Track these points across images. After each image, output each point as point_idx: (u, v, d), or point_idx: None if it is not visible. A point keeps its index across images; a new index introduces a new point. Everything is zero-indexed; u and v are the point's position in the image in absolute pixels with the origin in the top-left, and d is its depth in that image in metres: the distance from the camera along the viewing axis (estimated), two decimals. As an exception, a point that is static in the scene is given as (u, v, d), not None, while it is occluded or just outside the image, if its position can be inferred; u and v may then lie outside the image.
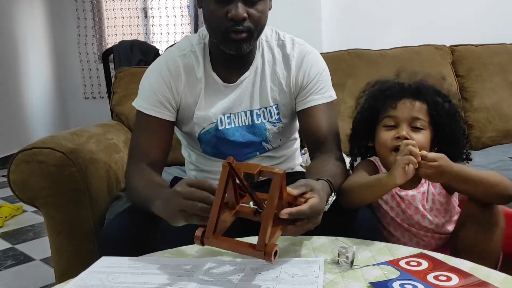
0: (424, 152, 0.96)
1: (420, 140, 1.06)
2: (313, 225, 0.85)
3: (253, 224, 0.85)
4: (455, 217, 1.15)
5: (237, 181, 0.82)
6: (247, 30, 1.09)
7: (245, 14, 1.07)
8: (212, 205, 0.78)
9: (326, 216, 0.88)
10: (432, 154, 0.96)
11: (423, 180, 1.13)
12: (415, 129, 1.08)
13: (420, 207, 1.12)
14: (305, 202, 0.83)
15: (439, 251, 0.94)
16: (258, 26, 1.11)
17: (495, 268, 0.90)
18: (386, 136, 1.09)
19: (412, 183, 1.12)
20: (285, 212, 0.79)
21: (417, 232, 1.13)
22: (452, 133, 1.10)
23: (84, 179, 1.34)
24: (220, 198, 0.78)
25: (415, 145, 0.95)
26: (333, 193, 0.98)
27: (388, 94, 1.12)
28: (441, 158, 0.96)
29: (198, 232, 0.79)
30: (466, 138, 1.14)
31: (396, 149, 1.04)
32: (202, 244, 0.79)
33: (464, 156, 1.14)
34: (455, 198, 1.16)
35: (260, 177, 0.80)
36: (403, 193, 1.12)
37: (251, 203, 0.85)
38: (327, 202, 0.93)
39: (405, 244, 1.10)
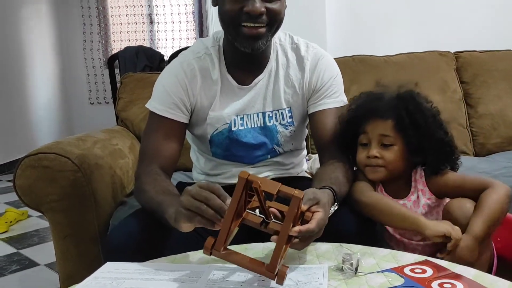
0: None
1: (389, 157, 1.11)
2: (315, 238, 0.86)
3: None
4: None
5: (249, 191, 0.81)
6: (264, 25, 1.09)
7: (262, 9, 1.07)
8: (225, 216, 0.78)
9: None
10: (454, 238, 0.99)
11: (412, 189, 1.15)
12: (385, 146, 1.12)
13: (417, 210, 1.13)
14: (311, 215, 0.85)
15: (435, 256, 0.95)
16: (275, 22, 1.11)
17: (489, 272, 0.91)
18: (360, 155, 1.15)
19: (403, 192, 1.15)
20: (296, 230, 0.80)
21: (409, 242, 1.13)
22: (426, 143, 1.11)
23: (89, 184, 1.35)
24: (234, 210, 0.77)
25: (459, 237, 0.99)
26: (335, 203, 0.98)
27: (361, 114, 1.15)
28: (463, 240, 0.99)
29: (208, 243, 0.78)
30: (451, 146, 1.14)
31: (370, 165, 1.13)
32: (211, 254, 0.79)
33: (450, 164, 1.15)
34: (447, 202, 1.17)
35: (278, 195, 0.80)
36: None
37: (257, 210, 0.85)
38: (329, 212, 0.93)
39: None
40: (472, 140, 2.00)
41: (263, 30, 1.09)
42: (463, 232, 1.00)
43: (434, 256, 1.11)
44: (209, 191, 0.82)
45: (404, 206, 1.12)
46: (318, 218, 0.85)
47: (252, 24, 1.08)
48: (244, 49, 1.12)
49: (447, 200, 1.16)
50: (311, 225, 0.83)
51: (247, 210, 0.85)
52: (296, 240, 0.82)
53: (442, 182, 1.13)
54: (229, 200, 0.80)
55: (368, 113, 1.13)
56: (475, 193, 1.07)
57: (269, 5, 1.08)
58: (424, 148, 1.11)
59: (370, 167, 1.13)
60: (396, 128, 1.11)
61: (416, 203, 1.14)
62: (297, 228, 0.81)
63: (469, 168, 1.69)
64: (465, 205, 1.05)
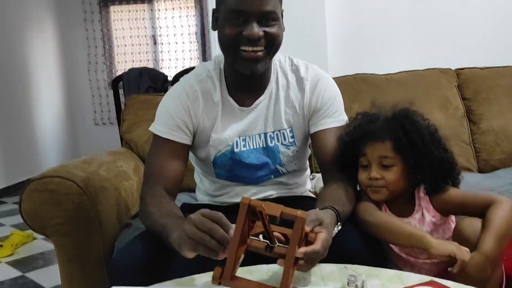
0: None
1: (390, 177, 1.12)
2: (321, 258, 0.86)
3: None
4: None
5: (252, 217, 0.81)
6: (262, 49, 1.11)
7: (261, 33, 1.09)
8: (230, 245, 0.78)
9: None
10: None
11: (416, 207, 1.15)
12: (385, 167, 1.12)
13: (422, 227, 1.12)
14: (315, 236, 0.85)
15: (443, 276, 0.94)
16: (274, 44, 1.13)
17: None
18: (362, 176, 1.16)
19: (407, 210, 1.15)
20: (301, 252, 0.80)
21: (416, 261, 1.13)
22: (425, 161, 1.11)
23: (94, 207, 1.36)
24: (238, 239, 0.77)
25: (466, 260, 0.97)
26: (338, 223, 0.99)
27: (359, 136, 1.15)
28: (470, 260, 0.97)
29: (216, 273, 0.78)
30: (451, 163, 1.14)
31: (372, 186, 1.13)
32: (220, 284, 0.78)
33: (451, 180, 1.15)
34: (452, 219, 1.17)
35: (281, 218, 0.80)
36: None
37: (260, 236, 0.85)
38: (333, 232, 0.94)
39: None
40: (476, 156, 2.00)
41: (261, 53, 1.11)
42: (473, 250, 0.99)
43: (441, 274, 1.11)
44: (212, 220, 0.82)
45: (409, 224, 1.12)
46: (322, 238, 0.85)
47: (250, 48, 1.10)
48: (244, 72, 1.14)
49: (453, 217, 1.16)
50: (316, 246, 0.83)
51: (250, 236, 0.85)
52: (302, 261, 0.82)
53: (445, 200, 1.13)
54: (232, 229, 0.80)
55: (366, 136, 1.14)
56: (480, 209, 1.07)
57: (267, 29, 1.10)
58: (423, 167, 1.11)
59: (371, 188, 1.13)
60: (395, 149, 1.11)
61: (421, 221, 1.13)
62: (302, 249, 0.81)
63: (473, 185, 1.68)
64: (475, 224, 1.05)
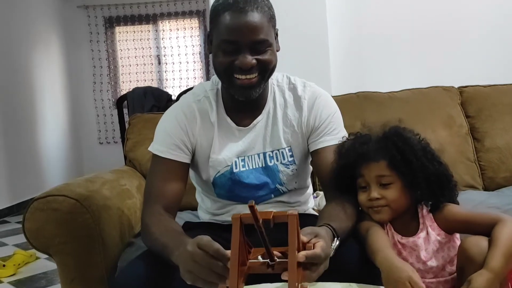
0: None
1: (390, 196, 1.11)
2: (323, 269, 0.85)
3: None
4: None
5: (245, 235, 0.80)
6: (256, 75, 1.12)
7: (253, 61, 1.10)
8: (230, 268, 0.77)
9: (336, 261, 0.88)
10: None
11: (421, 225, 1.14)
12: (384, 185, 1.11)
13: (422, 253, 1.11)
14: (313, 246, 0.84)
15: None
16: (268, 70, 1.14)
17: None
18: (361, 197, 1.14)
19: (412, 229, 1.14)
20: (302, 255, 0.79)
21: (422, 280, 1.11)
22: (421, 175, 1.10)
23: (97, 225, 1.35)
24: (237, 260, 0.76)
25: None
26: (336, 239, 0.98)
27: (353, 159, 1.15)
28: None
29: None
30: (447, 175, 1.14)
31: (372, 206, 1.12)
32: None
33: (448, 193, 1.14)
34: (457, 236, 1.15)
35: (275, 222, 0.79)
36: (404, 240, 1.12)
37: (259, 257, 0.83)
38: (331, 246, 0.93)
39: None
40: (481, 174, 1.99)
41: (255, 80, 1.12)
42: (479, 269, 0.98)
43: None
44: (211, 253, 0.81)
45: (414, 243, 1.11)
46: (321, 245, 0.84)
47: (243, 76, 1.11)
48: (238, 98, 1.15)
49: (457, 235, 1.15)
50: (317, 250, 0.82)
51: (249, 261, 0.83)
52: (307, 271, 0.81)
53: (449, 217, 1.12)
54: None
55: (360, 158, 1.13)
56: (484, 228, 1.06)
57: (259, 56, 1.11)
58: (420, 181, 1.10)
59: (373, 209, 1.12)
60: (391, 167, 1.11)
61: (427, 240, 1.12)
62: (303, 252, 0.80)
63: (479, 203, 1.67)
64: (481, 242, 1.03)
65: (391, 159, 1.11)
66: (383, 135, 1.16)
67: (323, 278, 0.87)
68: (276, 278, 0.81)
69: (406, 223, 1.15)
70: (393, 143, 1.13)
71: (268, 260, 0.82)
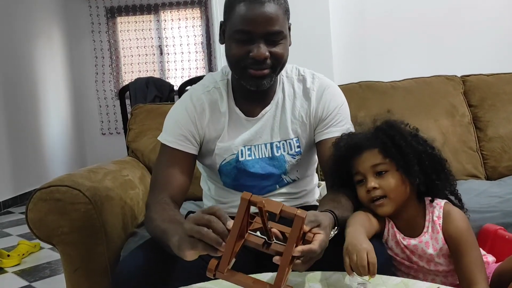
0: None
1: (387, 184, 1.10)
2: (317, 259, 0.85)
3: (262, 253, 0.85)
4: None
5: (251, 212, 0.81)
6: (269, 67, 1.12)
7: (267, 53, 1.10)
8: (228, 238, 0.78)
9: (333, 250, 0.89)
10: None
11: (425, 229, 1.12)
12: (380, 174, 1.11)
13: (428, 250, 1.11)
14: (313, 236, 0.84)
15: (455, 285, 0.92)
16: (280, 63, 1.15)
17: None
18: (361, 193, 1.13)
19: (416, 231, 1.13)
20: (298, 250, 0.80)
21: (427, 276, 1.12)
22: (414, 159, 1.10)
23: (100, 216, 1.36)
24: (237, 232, 0.77)
25: None
26: (336, 227, 0.98)
27: (348, 153, 1.15)
28: None
29: (212, 265, 0.78)
30: (440, 159, 1.13)
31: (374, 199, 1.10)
32: (215, 276, 0.78)
33: (448, 191, 1.14)
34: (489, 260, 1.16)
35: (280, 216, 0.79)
36: (405, 242, 1.12)
37: (258, 232, 0.84)
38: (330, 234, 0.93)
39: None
40: (483, 163, 1.99)
41: (267, 71, 1.13)
42: None
43: (449, 282, 1.10)
44: (211, 214, 0.82)
45: (415, 247, 1.11)
46: (320, 239, 0.84)
47: (258, 66, 1.11)
48: (250, 87, 1.16)
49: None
50: (314, 245, 0.83)
51: (248, 231, 0.84)
52: (298, 261, 0.82)
53: (454, 233, 1.09)
54: (230, 222, 0.80)
55: (354, 150, 1.13)
56: (464, 274, 1.05)
57: (273, 48, 1.11)
58: (413, 164, 1.09)
59: (375, 203, 1.11)
60: (384, 154, 1.11)
61: (428, 245, 1.12)
62: (300, 248, 0.81)
63: (482, 192, 1.67)
64: None
65: (383, 145, 1.11)
66: (375, 128, 1.17)
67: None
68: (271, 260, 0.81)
69: (409, 223, 1.14)
70: (383, 131, 1.13)
71: (265, 238, 0.83)
